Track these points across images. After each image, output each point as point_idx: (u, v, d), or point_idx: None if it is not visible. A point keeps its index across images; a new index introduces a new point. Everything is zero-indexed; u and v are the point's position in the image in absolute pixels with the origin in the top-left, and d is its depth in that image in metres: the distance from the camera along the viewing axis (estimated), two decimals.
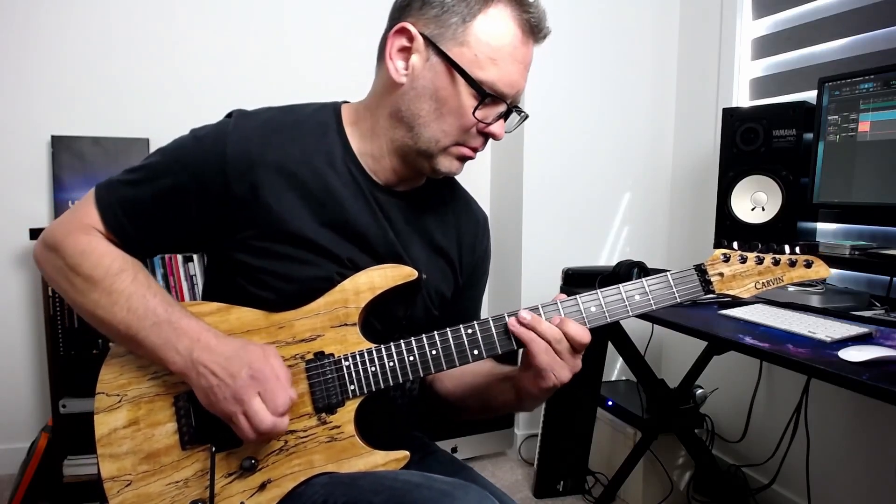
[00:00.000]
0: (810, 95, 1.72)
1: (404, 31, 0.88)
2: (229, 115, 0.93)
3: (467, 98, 0.87)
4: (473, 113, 0.87)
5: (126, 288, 0.87)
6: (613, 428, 2.15)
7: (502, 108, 0.90)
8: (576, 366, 0.86)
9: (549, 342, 0.84)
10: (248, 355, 0.83)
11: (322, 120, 0.95)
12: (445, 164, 0.92)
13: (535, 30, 0.89)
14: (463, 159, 0.93)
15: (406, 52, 0.89)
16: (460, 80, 0.86)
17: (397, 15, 0.91)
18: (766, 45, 2.09)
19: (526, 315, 0.86)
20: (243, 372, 0.82)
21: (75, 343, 1.96)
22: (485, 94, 0.86)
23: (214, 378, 0.82)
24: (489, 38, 0.85)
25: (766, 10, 2.08)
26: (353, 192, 0.93)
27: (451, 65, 0.86)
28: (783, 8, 2.01)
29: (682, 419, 1.88)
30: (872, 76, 1.48)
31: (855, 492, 1.75)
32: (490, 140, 0.93)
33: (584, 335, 0.85)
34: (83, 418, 1.92)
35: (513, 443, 2.46)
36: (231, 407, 0.81)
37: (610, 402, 2.14)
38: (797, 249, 0.89)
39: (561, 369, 0.85)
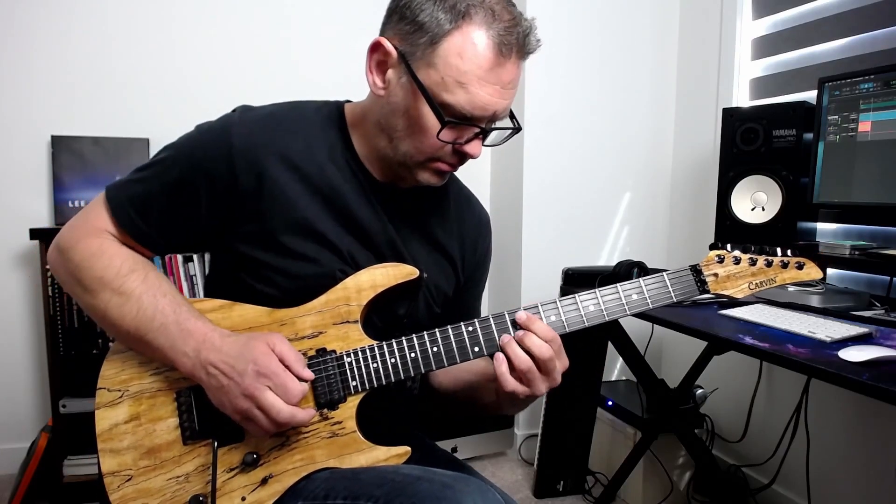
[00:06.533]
0: (810, 95, 1.72)
1: (379, 47, 0.87)
2: (234, 111, 0.95)
3: (433, 120, 0.85)
4: (438, 135, 0.85)
5: (136, 288, 0.88)
6: (613, 428, 2.15)
7: (476, 128, 0.88)
8: (553, 381, 0.86)
9: (519, 370, 0.84)
10: (252, 352, 0.83)
11: (325, 116, 0.96)
12: (424, 176, 0.92)
13: (512, 49, 0.84)
14: (441, 173, 0.93)
15: (384, 66, 0.88)
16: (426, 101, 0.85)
17: (382, 26, 0.90)
18: (766, 45, 2.09)
19: (505, 337, 0.85)
20: (249, 368, 0.81)
21: (75, 343, 1.96)
22: (444, 121, 0.84)
23: (224, 378, 0.82)
24: (457, 61, 0.82)
25: (766, 10, 2.08)
26: (354, 188, 0.94)
27: (418, 86, 0.84)
28: (783, 8, 2.01)
29: (682, 419, 1.88)
30: (872, 76, 1.48)
31: (855, 492, 1.75)
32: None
33: (545, 353, 0.83)
34: (83, 418, 1.93)
35: (513, 443, 2.46)
36: (244, 403, 0.81)
37: (610, 402, 2.14)
38: (789, 252, 0.91)
39: (537, 387, 0.85)
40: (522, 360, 0.83)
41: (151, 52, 2.24)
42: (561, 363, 0.86)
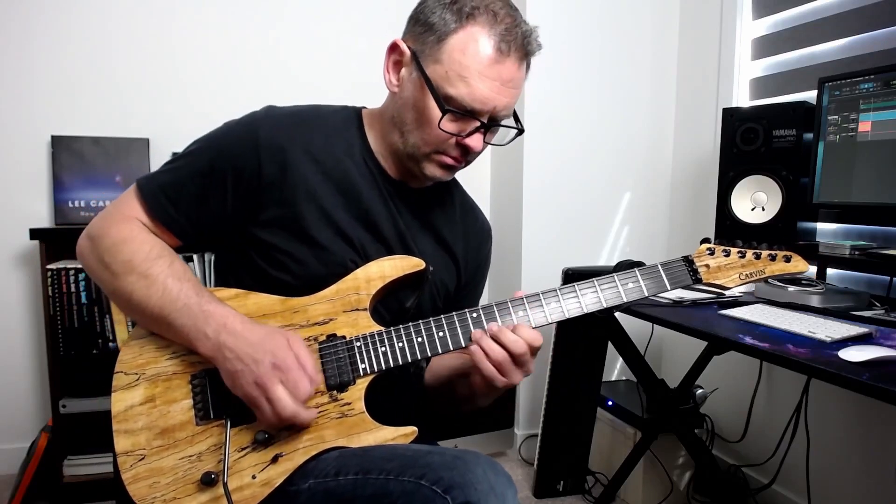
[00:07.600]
0: (810, 95, 1.73)
1: (396, 48, 0.97)
2: (260, 110, 1.01)
3: (437, 111, 0.93)
4: (438, 125, 0.93)
5: (162, 272, 0.92)
6: (613, 428, 2.15)
7: (477, 122, 0.95)
8: (527, 371, 0.91)
9: (493, 359, 0.89)
10: (271, 344, 0.87)
11: (344, 118, 1.04)
12: (430, 169, 0.99)
13: (511, 48, 0.91)
14: (446, 167, 0.99)
15: (399, 65, 0.98)
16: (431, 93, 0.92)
17: (403, 33, 0.99)
18: (766, 45, 2.09)
19: (477, 332, 0.91)
20: (266, 359, 0.85)
21: (75, 343, 1.96)
22: (444, 110, 0.92)
23: (239, 363, 0.86)
24: (460, 57, 0.91)
25: (766, 10, 2.08)
26: (368, 183, 1.01)
27: (425, 79, 0.93)
28: (783, 8, 2.01)
29: (682, 419, 1.88)
30: (872, 76, 1.48)
31: (855, 492, 1.75)
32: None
33: (518, 347, 0.88)
34: (83, 418, 1.93)
35: (513, 443, 2.46)
36: (254, 391, 0.85)
37: (610, 402, 2.14)
38: (774, 246, 0.98)
39: (510, 376, 0.90)
40: (497, 353, 0.88)
41: (151, 52, 2.24)
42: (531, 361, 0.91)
